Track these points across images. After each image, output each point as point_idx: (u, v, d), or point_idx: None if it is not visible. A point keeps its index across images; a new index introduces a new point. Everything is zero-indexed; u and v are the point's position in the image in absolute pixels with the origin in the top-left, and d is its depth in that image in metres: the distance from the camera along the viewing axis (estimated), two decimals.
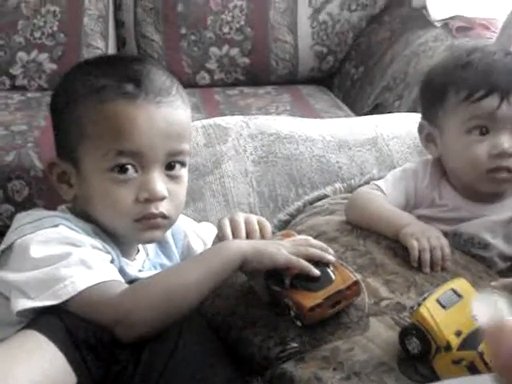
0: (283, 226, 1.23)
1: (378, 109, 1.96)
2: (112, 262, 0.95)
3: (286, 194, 1.28)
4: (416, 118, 1.21)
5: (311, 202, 1.24)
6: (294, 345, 0.92)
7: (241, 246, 0.92)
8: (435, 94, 1.10)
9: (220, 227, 1.01)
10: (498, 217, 1.08)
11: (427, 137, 1.13)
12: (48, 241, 0.91)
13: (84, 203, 0.96)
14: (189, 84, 2.17)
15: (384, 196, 1.09)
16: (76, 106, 0.94)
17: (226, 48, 2.19)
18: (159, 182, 0.94)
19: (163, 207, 0.94)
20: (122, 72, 0.95)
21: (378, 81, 2.03)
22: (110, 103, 0.93)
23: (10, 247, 0.93)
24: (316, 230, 1.09)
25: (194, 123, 1.38)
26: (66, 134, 0.96)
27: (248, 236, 1.00)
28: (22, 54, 2.09)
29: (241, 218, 1.02)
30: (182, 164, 0.97)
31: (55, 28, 2.10)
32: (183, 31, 2.17)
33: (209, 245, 1.08)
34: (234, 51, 2.20)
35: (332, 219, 1.12)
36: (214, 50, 2.19)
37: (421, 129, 1.14)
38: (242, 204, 1.27)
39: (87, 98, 0.93)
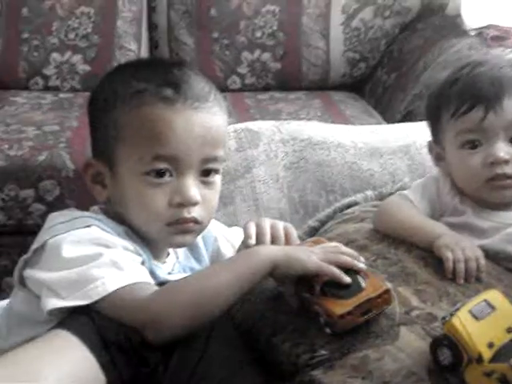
0: (313, 233, 1.23)
1: (409, 116, 1.95)
2: (143, 263, 0.95)
3: (317, 200, 1.28)
4: None
5: (341, 209, 1.23)
6: (324, 352, 0.91)
7: (271, 251, 0.92)
8: (433, 114, 1.13)
9: (245, 231, 1.01)
10: None
11: (437, 155, 1.15)
12: (80, 241, 0.92)
13: (117, 205, 0.97)
14: (220, 88, 2.14)
15: (413, 205, 1.09)
16: (115, 108, 0.95)
17: (257, 52, 2.20)
18: (193, 187, 0.94)
19: (196, 212, 0.95)
20: (162, 76, 0.95)
21: (410, 88, 2.02)
22: (149, 107, 0.93)
23: (42, 247, 0.94)
24: (346, 238, 1.09)
25: None
26: (103, 136, 0.96)
27: (273, 241, 1.00)
28: (55, 55, 2.11)
29: (266, 222, 1.02)
30: (216, 171, 0.97)
31: (89, 29, 2.12)
32: (216, 35, 2.18)
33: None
34: (266, 56, 2.20)
35: (362, 227, 1.12)
36: (245, 54, 2.20)
37: (430, 149, 1.17)
38: (272, 209, 1.27)
39: (126, 101, 0.94)
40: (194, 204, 0.95)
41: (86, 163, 0.98)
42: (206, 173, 0.96)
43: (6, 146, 1.73)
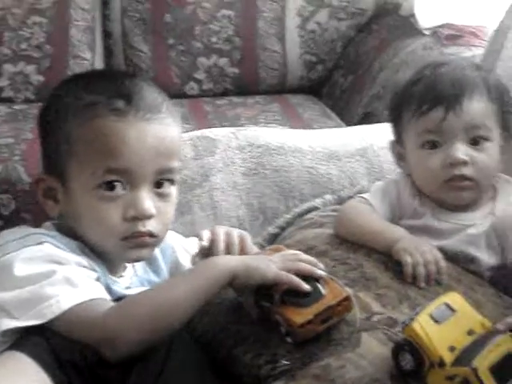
0: (272, 239, 1.22)
1: (367, 118, 1.95)
2: (98, 279, 0.93)
3: (276, 206, 1.27)
4: None
5: (301, 215, 1.23)
6: (285, 362, 0.90)
7: (229, 261, 0.91)
8: (394, 113, 1.14)
9: (199, 238, 1.01)
10: (476, 229, 1.08)
11: (398, 155, 1.15)
12: (32, 258, 0.89)
13: (70, 220, 0.95)
14: (177, 94, 2.15)
15: (372, 209, 1.09)
16: (66, 121, 0.93)
17: (214, 58, 2.18)
18: (147, 200, 0.93)
19: (151, 225, 0.93)
20: (113, 88, 0.94)
21: (367, 90, 2.02)
22: (101, 119, 0.91)
23: None
24: (305, 244, 1.08)
25: (181, 135, 1.36)
26: (54, 150, 0.94)
27: (227, 249, 0.99)
28: (8, 66, 2.07)
29: (221, 230, 1.01)
30: (172, 182, 0.96)
31: (42, 39, 2.08)
32: (171, 41, 2.16)
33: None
34: (223, 61, 2.19)
35: (322, 232, 1.11)
36: (202, 60, 2.18)
37: (392, 148, 1.17)
38: (230, 217, 1.26)
39: (77, 114, 0.92)
40: (149, 217, 0.93)
41: (38, 178, 0.96)
42: (161, 184, 0.95)
43: None
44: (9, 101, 2.06)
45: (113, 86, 0.95)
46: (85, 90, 0.94)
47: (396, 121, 1.13)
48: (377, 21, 2.22)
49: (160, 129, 0.93)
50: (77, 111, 0.93)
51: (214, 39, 2.17)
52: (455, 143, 1.07)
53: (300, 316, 0.89)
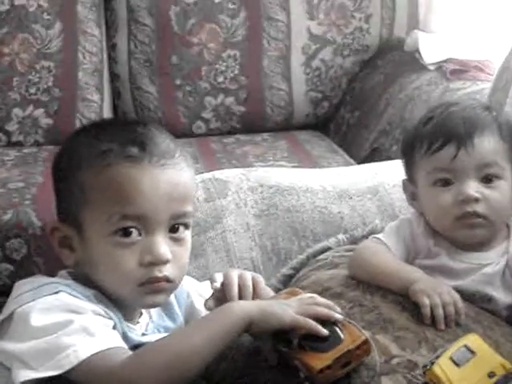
0: (287, 281, 1.21)
1: (375, 153, 1.96)
2: (114, 327, 0.93)
3: (289, 246, 1.27)
4: None
5: (315, 255, 1.23)
6: None
7: (245, 307, 0.91)
8: (407, 152, 1.14)
9: (211, 280, 1.01)
10: (492, 268, 1.08)
11: (411, 195, 1.15)
12: (49, 308, 0.89)
13: (86, 268, 0.95)
14: (185, 134, 2.17)
15: (387, 249, 1.08)
16: (79, 170, 0.94)
17: (221, 97, 2.20)
18: (163, 245, 0.93)
19: (167, 270, 0.93)
20: (126, 135, 0.95)
21: (373, 125, 2.03)
22: (114, 167, 0.92)
23: (9, 317, 0.91)
24: (321, 286, 1.08)
25: None
26: (68, 199, 0.95)
27: (240, 291, 0.99)
28: (17, 110, 2.09)
29: (234, 272, 1.01)
30: (186, 226, 0.96)
31: (50, 83, 2.10)
32: (178, 82, 2.18)
33: None
34: (229, 100, 2.20)
35: (337, 273, 1.11)
36: (209, 99, 2.20)
37: (405, 188, 1.17)
38: (244, 259, 1.26)
39: (91, 162, 0.93)
40: (165, 262, 0.93)
41: (53, 227, 0.96)
42: (176, 229, 0.95)
43: None
44: (18, 145, 2.08)
45: (126, 133, 0.96)
46: (98, 139, 0.95)
47: (408, 160, 1.14)
48: (381, 56, 2.25)
49: (174, 174, 0.94)
50: (90, 159, 0.94)
51: (220, 79, 2.19)
52: (467, 181, 1.07)
53: (319, 361, 0.88)
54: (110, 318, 0.93)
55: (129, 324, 0.97)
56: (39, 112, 2.10)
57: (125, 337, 0.94)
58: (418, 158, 1.11)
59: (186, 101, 2.19)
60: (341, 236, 1.25)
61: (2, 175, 1.87)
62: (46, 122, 2.11)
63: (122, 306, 0.96)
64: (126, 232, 0.92)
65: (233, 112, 2.21)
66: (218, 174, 1.37)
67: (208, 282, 1.14)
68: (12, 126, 2.09)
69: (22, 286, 0.94)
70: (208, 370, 0.94)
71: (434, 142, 1.08)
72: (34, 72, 2.09)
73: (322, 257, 1.20)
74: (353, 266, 1.10)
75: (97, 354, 0.86)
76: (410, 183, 1.15)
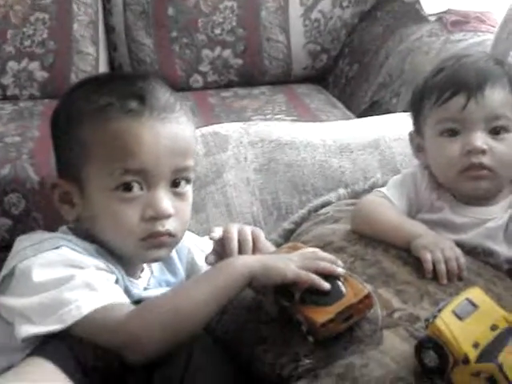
0: (288, 235, 1.21)
1: (374, 106, 1.94)
2: (117, 282, 0.93)
3: (290, 201, 1.26)
4: None
5: (315, 209, 1.22)
6: (308, 361, 0.90)
7: (247, 262, 0.90)
8: (415, 104, 1.14)
9: (211, 234, 1.01)
10: (495, 223, 1.07)
11: (417, 147, 1.15)
12: (50, 263, 0.89)
13: (88, 223, 0.95)
14: (182, 87, 2.15)
15: (391, 204, 1.08)
16: (80, 125, 0.93)
17: (218, 50, 2.17)
18: (165, 200, 0.92)
19: (169, 225, 0.93)
20: (126, 89, 0.94)
21: (373, 78, 2.01)
22: (115, 121, 0.91)
23: (11, 272, 0.91)
24: (322, 240, 1.07)
25: None
26: (68, 154, 0.94)
27: (240, 246, 0.99)
28: (12, 64, 2.06)
29: (234, 227, 1.01)
30: (187, 180, 0.96)
31: (45, 35, 2.07)
32: (174, 34, 2.15)
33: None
34: (227, 52, 2.17)
35: (338, 228, 1.11)
36: (206, 52, 2.16)
37: (411, 139, 1.16)
38: (244, 213, 1.25)
39: (91, 117, 0.92)
40: (168, 217, 0.93)
41: (53, 183, 0.96)
42: (177, 183, 0.95)
43: None
44: (14, 98, 2.06)
45: (125, 87, 0.95)
46: (96, 93, 0.94)
47: (416, 111, 1.13)
48: (380, 8, 2.21)
49: (175, 128, 0.93)
50: (90, 114, 0.92)
51: (217, 31, 2.16)
52: (475, 132, 1.06)
53: (321, 315, 0.89)
54: (112, 273, 0.93)
55: (131, 279, 0.97)
56: (34, 65, 2.07)
57: (127, 291, 0.94)
58: (427, 109, 1.10)
59: (182, 54, 2.15)
60: (342, 190, 1.25)
61: None
62: (41, 75, 2.08)
63: (123, 260, 0.96)
64: (127, 187, 0.92)
65: (230, 65, 2.18)
66: (217, 127, 1.36)
67: (208, 237, 1.14)
68: (7, 80, 2.06)
69: (22, 242, 0.93)
70: (210, 324, 0.95)
71: (444, 91, 1.07)
72: (28, 24, 2.05)
73: (322, 211, 1.20)
74: (355, 220, 1.09)
75: (100, 308, 0.86)
76: (416, 135, 1.14)
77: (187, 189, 0.96)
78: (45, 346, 0.86)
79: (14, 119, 1.92)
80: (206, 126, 1.47)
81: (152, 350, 0.85)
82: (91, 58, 2.11)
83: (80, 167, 0.93)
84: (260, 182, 1.28)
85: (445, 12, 1.99)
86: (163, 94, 0.95)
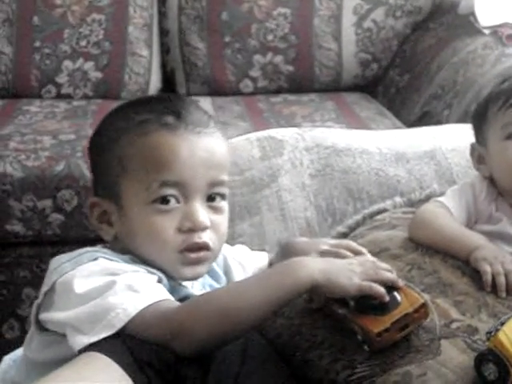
0: (341, 239, 1.21)
1: (425, 117, 1.94)
2: (160, 281, 0.93)
3: (344, 207, 1.26)
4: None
5: (371, 216, 1.22)
6: (364, 368, 0.90)
7: (311, 272, 0.87)
8: (480, 113, 1.13)
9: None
10: None
11: (478, 159, 1.14)
12: (90, 274, 0.90)
13: (126, 240, 0.95)
14: (232, 92, 2.17)
15: (450, 214, 1.08)
16: (117, 141, 0.94)
17: (269, 55, 2.18)
18: (202, 212, 0.93)
19: (206, 237, 0.93)
20: (162, 106, 0.96)
21: (424, 89, 2.00)
22: (152, 135, 0.93)
23: (52, 288, 0.92)
24: (378, 246, 1.07)
25: (248, 135, 1.37)
26: (106, 172, 0.95)
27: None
28: (67, 63, 2.09)
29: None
30: (222, 196, 0.96)
31: (101, 36, 2.10)
32: (227, 39, 2.17)
33: (246, 267, 1.06)
34: (278, 59, 2.19)
35: (394, 235, 1.10)
36: (257, 57, 2.18)
37: (472, 151, 1.16)
38: (299, 218, 1.26)
39: (128, 133, 0.94)
40: (204, 229, 0.93)
41: (92, 202, 0.96)
42: (213, 198, 0.95)
43: (23, 157, 1.72)
44: (68, 97, 2.09)
45: (161, 104, 0.97)
46: (134, 112, 0.96)
47: (481, 120, 1.13)
48: (434, 19, 2.21)
49: (210, 142, 0.95)
50: (128, 131, 0.94)
51: (269, 37, 2.17)
52: None
53: (377, 324, 0.88)
54: (153, 274, 0.93)
55: (173, 283, 0.96)
56: (89, 65, 2.10)
57: (172, 290, 0.94)
58: (492, 115, 1.10)
59: (234, 58, 2.17)
60: (398, 199, 1.25)
61: (53, 127, 1.89)
62: (95, 75, 2.11)
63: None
64: (164, 199, 0.92)
65: (281, 71, 2.20)
66: (273, 132, 1.36)
67: (239, 246, 1.12)
68: (62, 78, 2.10)
69: (60, 259, 0.94)
70: (263, 326, 0.95)
71: (510, 97, 1.07)
72: (85, 25, 2.09)
73: (379, 217, 1.19)
74: (413, 229, 1.09)
75: (146, 308, 0.87)
76: (478, 146, 1.13)
77: (223, 204, 0.96)
78: (100, 342, 0.86)
79: (68, 117, 1.95)
80: (255, 131, 1.48)
81: (199, 344, 0.85)
82: (145, 60, 2.14)
83: (117, 183, 0.94)
84: (315, 187, 1.28)
85: (500, 25, 1.97)
86: (198, 111, 0.97)
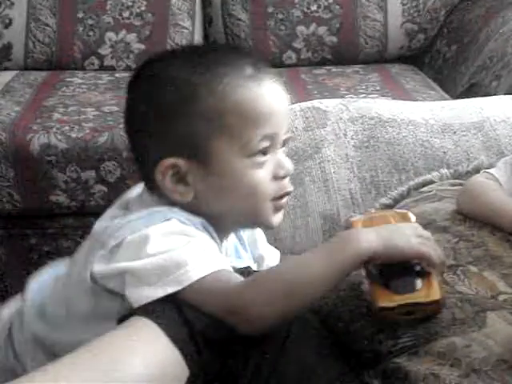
0: None
1: (473, 89, 1.89)
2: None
3: (389, 179, 1.24)
4: None
5: (416, 188, 1.20)
6: (407, 339, 0.89)
7: (370, 239, 0.86)
8: None
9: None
10: None
11: None
12: (165, 234, 0.88)
13: (207, 199, 0.92)
14: (275, 64, 2.14)
15: (500, 186, 1.05)
16: (198, 99, 0.90)
17: (313, 26, 2.16)
18: (286, 158, 0.94)
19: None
20: (233, 59, 0.93)
21: (472, 60, 1.96)
22: (241, 89, 0.90)
23: (118, 244, 0.89)
24: (425, 218, 1.05)
25: (291, 106, 1.35)
26: (185, 130, 0.91)
27: None
28: (110, 34, 2.10)
29: None
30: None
31: (143, 8, 2.10)
32: (270, 10, 2.15)
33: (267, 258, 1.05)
34: (322, 30, 2.16)
35: (441, 207, 1.08)
36: (301, 28, 2.16)
37: None
38: (342, 190, 1.24)
39: (211, 88, 0.90)
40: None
41: (170, 164, 0.91)
42: (284, 145, 0.96)
43: (67, 128, 1.73)
44: (110, 69, 2.10)
45: (231, 57, 0.94)
46: (207, 66, 0.91)
47: None
48: None
49: (282, 90, 0.94)
50: (209, 86, 0.90)
51: (313, 7, 2.14)
52: None
53: (384, 299, 0.86)
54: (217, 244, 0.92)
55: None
56: (132, 36, 2.10)
57: None
58: None
59: (277, 29, 2.15)
60: (444, 171, 1.22)
61: (96, 98, 1.90)
62: (137, 46, 2.11)
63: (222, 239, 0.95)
64: (264, 152, 0.92)
65: (324, 42, 2.17)
66: (317, 103, 1.35)
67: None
68: (105, 50, 2.10)
69: (128, 216, 0.91)
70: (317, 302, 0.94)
71: None
72: None
73: (425, 189, 1.17)
74: (461, 201, 1.07)
75: (212, 273, 0.85)
76: None
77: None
78: (155, 307, 0.84)
79: (111, 89, 1.96)
80: (298, 102, 1.45)
81: (261, 321, 0.84)
82: (187, 31, 2.13)
83: (207, 142, 0.90)
84: (359, 159, 1.26)
85: None
86: (261, 60, 0.95)
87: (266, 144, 0.91)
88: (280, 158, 0.94)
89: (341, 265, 0.85)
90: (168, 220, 0.89)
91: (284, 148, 0.95)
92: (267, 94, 0.91)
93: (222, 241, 0.96)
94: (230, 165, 0.91)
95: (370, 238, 0.86)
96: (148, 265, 0.86)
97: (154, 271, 0.85)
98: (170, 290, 0.84)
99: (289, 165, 0.94)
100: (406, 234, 0.87)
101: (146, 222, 0.89)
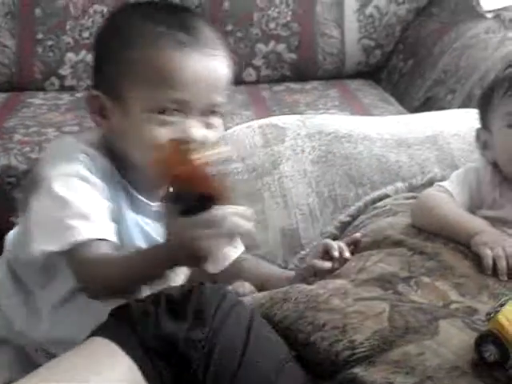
0: (344, 228, 1.22)
1: (428, 103, 1.93)
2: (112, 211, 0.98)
3: (346, 194, 1.27)
4: (476, 113, 1.20)
5: (372, 202, 1.23)
6: (363, 349, 0.91)
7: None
8: (485, 98, 1.13)
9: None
10: None
11: (484, 144, 1.14)
12: (66, 176, 0.96)
13: (117, 136, 1.00)
14: (235, 81, 2.15)
15: (452, 199, 1.08)
16: (130, 48, 0.97)
17: (272, 44, 2.18)
18: (195, 128, 0.97)
19: None
20: (176, 20, 0.98)
21: (428, 74, 2.00)
22: (166, 51, 0.96)
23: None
24: (381, 234, 1.08)
25: (250, 123, 1.37)
26: (112, 70, 0.99)
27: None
28: (70, 55, 2.10)
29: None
30: (221, 114, 1.00)
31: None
32: (229, 28, 2.17)
33: None
34: (281, 47, 2.19)
35: (396, 221, 1.11)
36: (260, 46, 2.18)
37: (478, 137, 1.16)
38: (301, 205, 1.26)
39: (145, 43, 0.97)
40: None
41: (93, 95, 1.00)
42: (209, 115, 0.99)
43: (28, 149, 1.73)
44: (71, 89, 2.10)
45: (175, 18, 0.99)
46: (152, 20, 0.98)
47: (486, 105, 1.13)
48: (436, 4, 2.20)
49: (215, 64, 0.98)
50: (143, 38, 0.98)
51: (271, 25, 2.17)
52: None
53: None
54: (114, 201, 0.98)
55: (143, 198, 1.02)
56: (91, 57, 2.10)
57: (132, 203, 1.01)
58: (497, 101, 1.10)
59: (237, 47, 2.17)
60: (399, 184, 1.25)
61: (57, 119, 1.89)
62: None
63: (139, 183, 1.01)
64: (166, 113, 0.97)
65: (284, 59, 2.20)
66: (274, 119, 1.37)
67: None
68: (65, 70, 2.10)
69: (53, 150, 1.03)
70: (270, 310, 0.96)
71: None
72: (86, 16, 2.09)
73: (380, 204, 1.20)
74: (415, 214, 1.09)
75: (88, 241, 0.93)
76: (484, 131, 1.13)
77: (218, 122, 1.01)
78: (108, 326, 0.88)
79: (72, 109, 1.95)
80: (258, 119, 1.48)
81: (100, 294, 0.94)
82: None
83: (123, 86, 0.97)
84: (317, 173, 1.29)
85: (503, 9, 1.97)
86: (207, 30, 1.00)
87: (173, 106, 0.96)
88: (188, 124, 0.97)
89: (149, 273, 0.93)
90: (79, 162, 0.97)
91: (211, 119, 0.98)
92: (185, 61, 0.96)
93: (151, 196, 1.02)
94: (135, 114, 0.97)
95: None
96: (41, 223, 0.96)
97: (44, 229, 0.96)
98: (51, 248, 0.94)
99: (193, 132, 0.97)
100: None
101: (57, 161, 0.98)
